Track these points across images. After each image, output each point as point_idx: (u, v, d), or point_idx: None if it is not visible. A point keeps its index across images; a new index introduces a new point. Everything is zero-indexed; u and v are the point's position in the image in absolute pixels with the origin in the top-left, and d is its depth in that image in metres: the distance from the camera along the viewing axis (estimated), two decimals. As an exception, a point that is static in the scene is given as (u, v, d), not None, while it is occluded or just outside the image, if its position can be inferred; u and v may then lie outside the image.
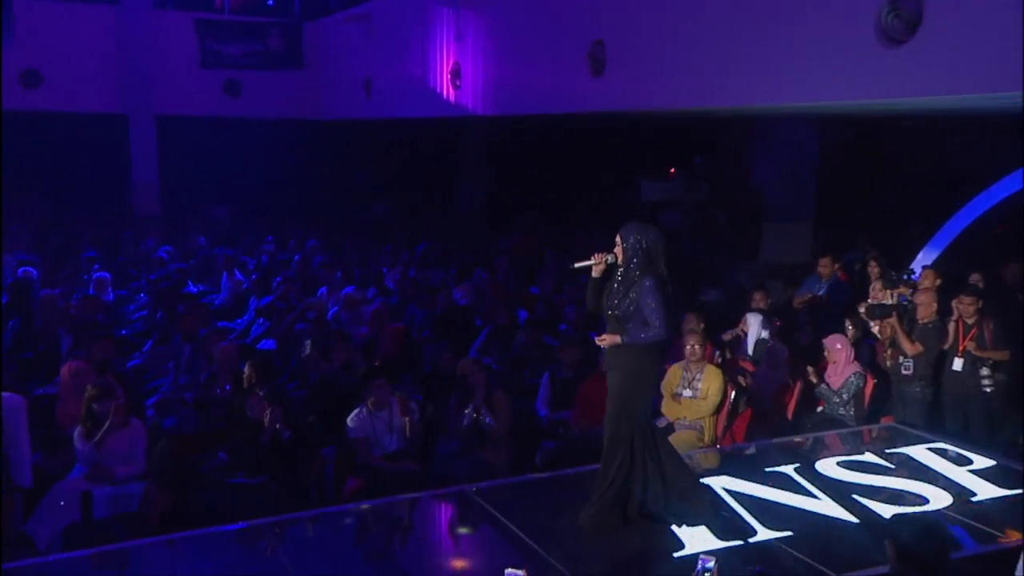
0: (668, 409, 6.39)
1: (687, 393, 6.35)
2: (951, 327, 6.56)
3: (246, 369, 6.16)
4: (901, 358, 6.64)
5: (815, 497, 4.82)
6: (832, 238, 12.02)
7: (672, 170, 17.54)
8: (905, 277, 9.08)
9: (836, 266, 9.15)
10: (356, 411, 5.73)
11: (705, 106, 8.30)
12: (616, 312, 4.35)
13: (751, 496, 4.80)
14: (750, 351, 7.53)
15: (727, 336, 7.70)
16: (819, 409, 6.65)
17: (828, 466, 5.25)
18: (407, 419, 5.67)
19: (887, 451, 5.56)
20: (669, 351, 7.27)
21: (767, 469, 5.19)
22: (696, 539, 4.31)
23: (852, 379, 6.47)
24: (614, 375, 4.41)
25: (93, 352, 6.85)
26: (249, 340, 8.74)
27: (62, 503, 5.17)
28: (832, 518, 4.60)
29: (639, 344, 4.30)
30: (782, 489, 4.90)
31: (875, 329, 7.39)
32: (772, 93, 7.33)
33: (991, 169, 10.42)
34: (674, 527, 4.39)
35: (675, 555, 4.20)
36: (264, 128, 16.68)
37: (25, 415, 5.00)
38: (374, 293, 10.19)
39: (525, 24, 10.63)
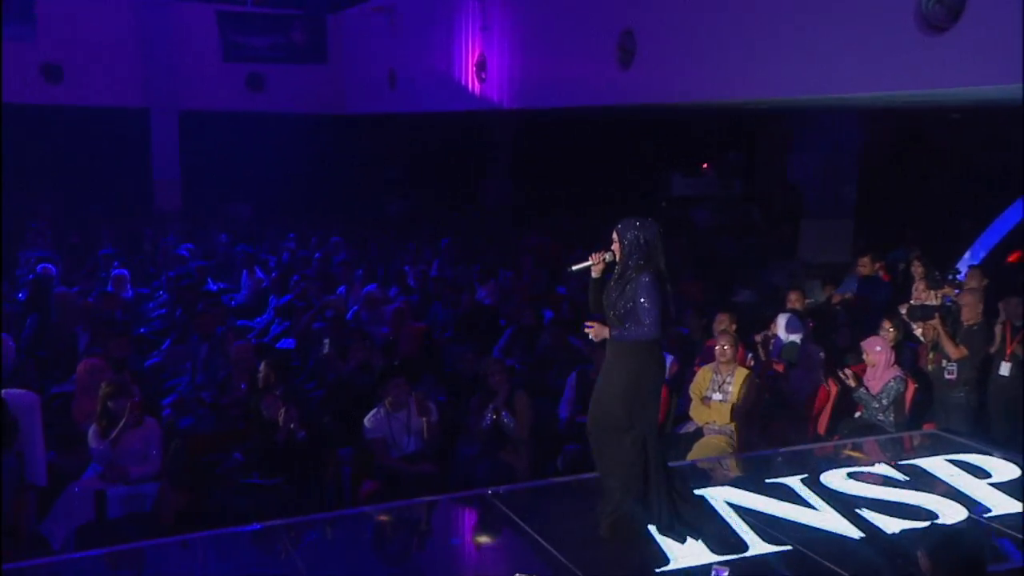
0: (697, 413, 6.35)
1: (717, 396, 6.30)
2: (998, 330, 6.45)
3: (262, 368, 6.22)
4: (944, 362, 6.54)
5: (816, 510, 4.74)
6: (874, 236, 11.87)
7: (704, 165, 17.41)
8: (950, 277, 8.95)
9: (877, 265, 9.03)
10: (373, 411, 5.76)
11: (739, 98, 8.25)
12: (615, 311, 4.30)
13: (750, 509, 4.72)
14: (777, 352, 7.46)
15: (759, 338, 7.63)
16: (857, 415, 6.55)
17: (835, 478, 5.15)
18: (424, 420, 5.69)
19: (901, 462, 5.47)
20: (700, 352, 7.30)
21: (768, 480, 5.11)
22: (686, 552, 4.22)
23: (892, 383, 6.36)
24: (615, 375, 4.33)
25: (110, 350, 6.96)
26: (268, 339, 8.83)
27: (76, 503, 5.25)
28: (833, 533, 4.51)
29: (629, 341, 4.25)
30: (785, 501, 4.81)
31: (918, 331, 7.28)
32: (808, 84, 7.27)
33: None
34: (658, 538, 4.31)
35: (668, 568, 4.13)
36: (287, 123, 16.84)
37: (39, 413, 5.08)
38: (396, 292, 10.24)
39: (552, 14, 10.63)
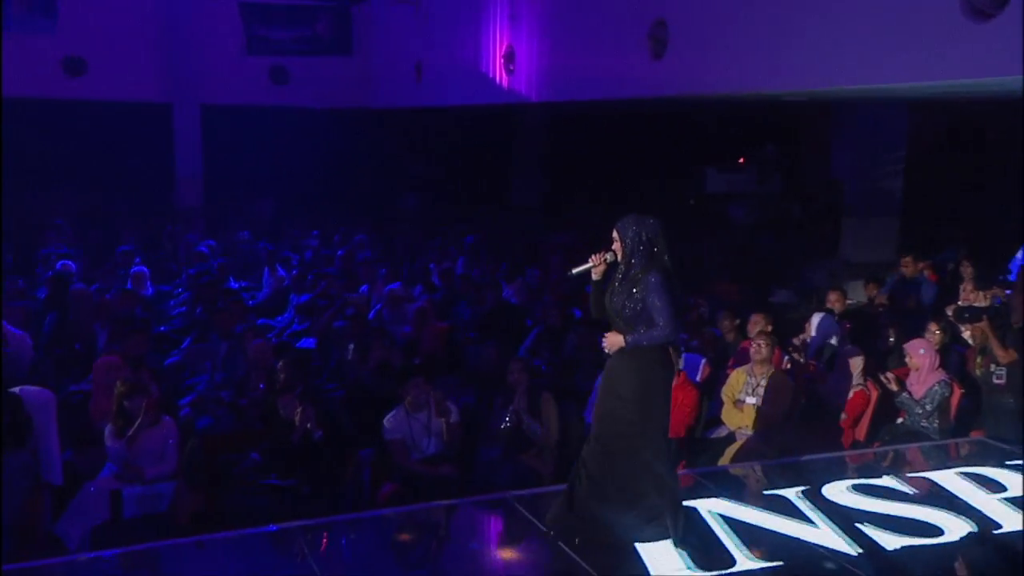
0: (728, 416, 6.31)
1: (751, 400, 6.26)
2: (1051, 332, 6.32)
3: (280, 367, 6.28)
4: (993, 366, 6.42)
5: (814, 524, 4.66)
6: (921, 234, 11.69)
7: (741, 159, 17.26)
8: (1000, 277, 8.80)
9: (921, 265, 8.92)
10: (393, 412, 5.79)
11: (777, 89, 8.15)
12: (622, 315, 4.25)
13: (741, 521, 4.65)
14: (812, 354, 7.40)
15: (797, 340, 7.55)
16: (899, 421, 6.47)
17: (837, 491, 5.07)
18: (444, 421, 5.70)
19: (909, 475, 5.39)
20: (734, 354, 7.24)
21: (766, 492, 5.05)
22: (664, 565, 4.16)
23: (936, 388, 6.27)
24: (624, 380, 4.26)
25: (127, 348, 7.06)
26: (288, 337, 8.90)
27: (91, 503, 5.34)
28: (829, 549, 4.42)
29: (644, 346, 4.20)
30: (780, 515, 4.74)
31: (966, 334, 7.16)
32: (850, 74, 7.16)
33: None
34: (639, 548, 4.25)
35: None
36: (311, 117, 16.96)
37: (55, 411, 5.16)
38: (421, 290, 10.28)
39: (582, 4, 10.60)
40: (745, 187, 16.32)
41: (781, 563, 4.25)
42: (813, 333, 7.37)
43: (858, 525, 4.61)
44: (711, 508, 4.77)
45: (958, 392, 6.46)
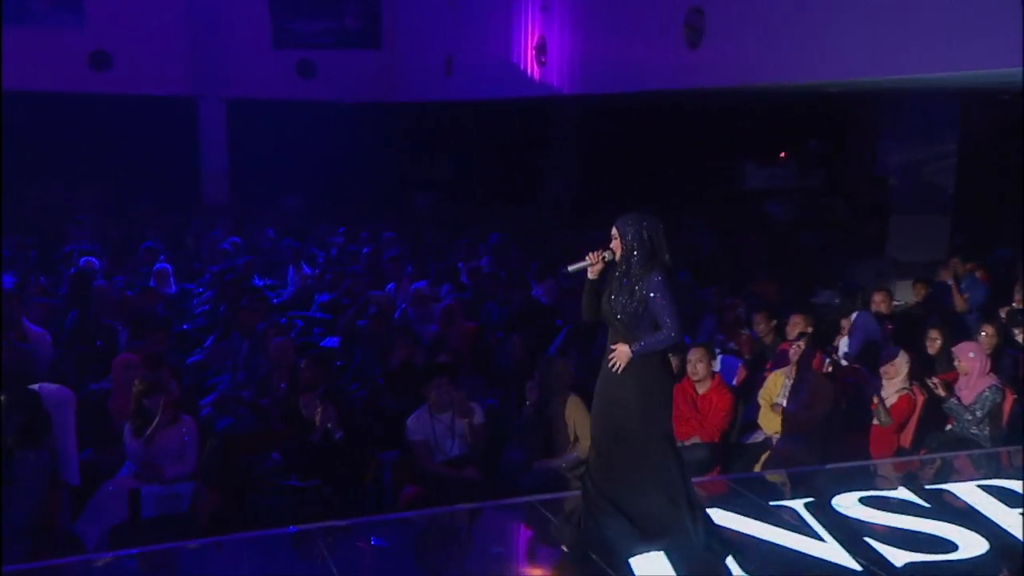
0: (765, 421, 6.23)
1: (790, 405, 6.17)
2: (1108, 335, 6.17)
3: (304, 366, 6.32)
4: (1049, 370, 6.28)
5: (821, 539, 4.59)
6: (973, 233, 11.48)
7: (782, 154, 17.08)
8: (1057, 278, 8.62)
9: (969, 265, 8.77)
10: (417, 412, 5.79)
11: (820, 80, 8.06)
12: (623, 316, 4.18)
13: (744, 534, 4.60)
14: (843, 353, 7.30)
15: (838, 342, 7.45)
16: (948, 427, 6.35)
17: (847, 503, 4.99)
18: (467, 422, 5.69)
19: (927, 487, 5.30)
20: (772, 357, 7.15)
21: (772, 503, 4.98)
22: None
23: (987, 393, 6.16)
24: (626, 383, 4.18)
25: (147, 345, 7.14)
26: (313, 337, 8.96)
27: (110, 502, 5.41)
28: (834, 564, 4.35)
29: (651, 351, 4.15)
30: (784, 528, 4.67)
31: (1020, 338, 7.02)
32: (898, 64, 7.06)
33: None
34: (632, 562, 4.20)
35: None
36: (339, 111, 17.07)
37: (73, 409, 5.23)
38: (448, 289, 10.29)
39: (615, -8, 10.57)
40: (785, 183, 16.15)
41: None
42: (851, 332, 7.26)
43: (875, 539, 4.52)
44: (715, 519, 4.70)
45: (1011, 398, 6.32)
